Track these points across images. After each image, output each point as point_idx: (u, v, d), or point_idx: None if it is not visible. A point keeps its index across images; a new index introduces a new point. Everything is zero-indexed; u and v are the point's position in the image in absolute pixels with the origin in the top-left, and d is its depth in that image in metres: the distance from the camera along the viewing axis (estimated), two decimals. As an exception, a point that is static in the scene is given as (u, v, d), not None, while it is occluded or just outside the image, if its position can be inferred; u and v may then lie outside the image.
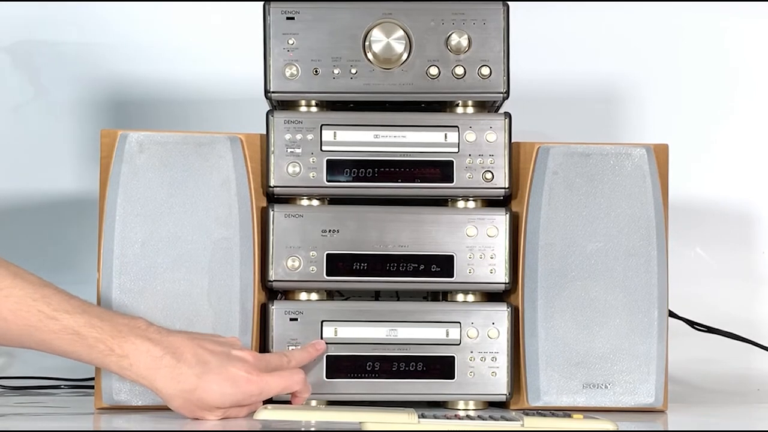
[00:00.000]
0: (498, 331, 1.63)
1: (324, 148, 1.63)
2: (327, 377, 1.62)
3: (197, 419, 1.47)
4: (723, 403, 1.86)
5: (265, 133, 1.64)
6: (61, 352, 1.48)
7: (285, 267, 1.62)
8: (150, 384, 1.47)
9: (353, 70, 1.64)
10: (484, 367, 1.63)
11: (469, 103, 1.66)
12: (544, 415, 1.46)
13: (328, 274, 1.63)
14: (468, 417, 1.45)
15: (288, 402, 1.59)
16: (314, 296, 1.65)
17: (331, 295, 1.67)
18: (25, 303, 1.46)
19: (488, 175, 1.64)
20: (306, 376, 1.55)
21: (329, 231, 1.63)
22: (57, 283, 2.09)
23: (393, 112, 1.65)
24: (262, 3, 1.64)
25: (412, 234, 1.63)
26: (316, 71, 1.64)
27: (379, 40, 1.63)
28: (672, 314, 1.73)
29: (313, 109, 1.66)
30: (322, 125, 1.64)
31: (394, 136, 1.64)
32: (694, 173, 2.14)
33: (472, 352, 1.63)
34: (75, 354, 1.47)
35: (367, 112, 1.65)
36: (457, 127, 1.64)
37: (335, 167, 1.63)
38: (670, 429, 1.58)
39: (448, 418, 1.42)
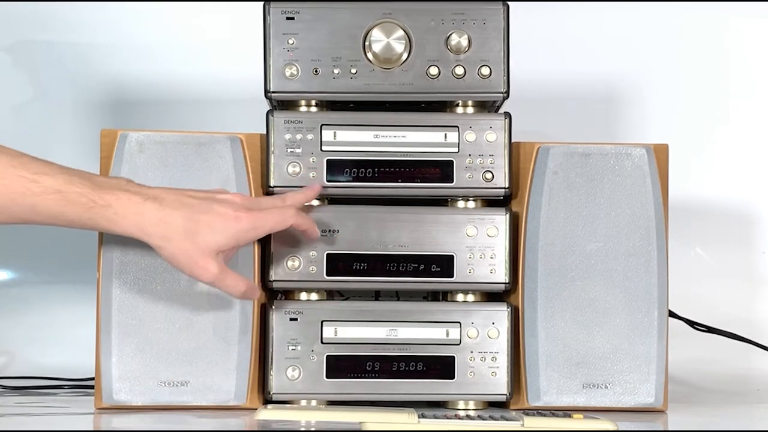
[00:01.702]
0: (498, 331, 1.63)
1: (324, 148, 1.63)
2: (327, 377, 1.62)
3: (199, 277, 1.46)
4: (723, 403, 1.87)
5: (265, 133, 1.64)
6: (48, 218, 1.46)
7: (285, 267, 1.62)
8: (140, 230, 1.45)
9: (353, 70, 1.64)
10: (484, 367, 1.63)
11: (469, 103, 1.66)
12: (544, 415, 1.46)
13: (328, 274, 1.63)
14: (468, 417, 1.45)
15: (288, 402, 1.60)
16: (314, 296, 1.65)
17: (331, 295, 1.67)
18: (5, 171, 1.44)
19: (488, 175, 1.64)
20: (303, 212, 1.54)
21: (329, 231, 1.63)
22: (58, 284, 2.10)
23: (393, 112, 1.65)
24: (262, 3, 1.64)
25: (412, 234, 1.63)
26: (316, 71, 1.64)
27: (379, 40, 1.63)
28: (672, 314, 1.73)
29: (313, 109, 1.66)
30: (322, 125, 1.64)
31: (394, 136, 1.64)
32: (694, 173, 2.14)
33: (472, 352, 1.63)
34: (61, 216, 1.45)
35: (367, 112, 1.65)
36: (457, 127, 1.64)
37: (335, 167, 1.63)
38: (670, 429, 1.58)
39: (448, 418, 1.42)
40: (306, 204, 1.64)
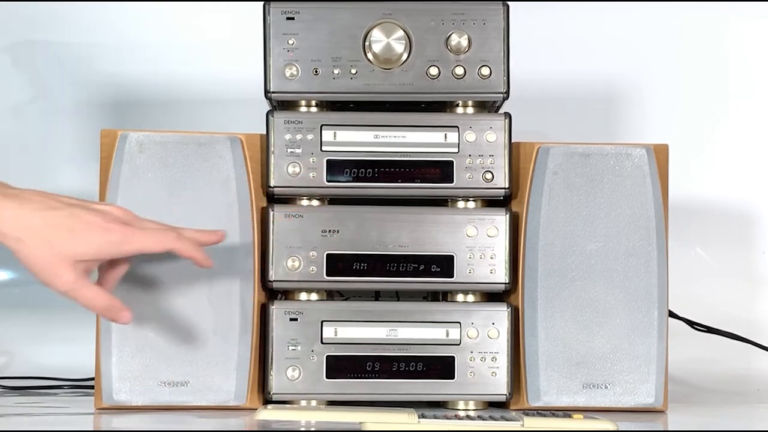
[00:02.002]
0: (498, 331, 1.63)
1: (324, 148, 1.63)
2: (327, 377, 1.62)
3: (52, 285, 1.36)
4: (723, 403, 1.87)
5: (265, 133, 1.64)
6: None
7: (285, 267, 1.62)
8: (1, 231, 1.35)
9: (353, 70, 1.64)
10: (484, 367, 1.63)
11: (469, 103, 1.66)
12: (544, 415, 1.46)
13: (328, 274, 1.63)
14: (468, 417, 1.45)
15: (288, 402, 1.60)
16: (314, 296, 1.65)
17: (331, 295, 1.67)
18: None
19: (488, 175, 1.64)
20: (187, 237, 1.43)
21: (329, 231, 1.63)
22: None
23: (393, 112, 1.65)
24: (262, 3, 1.64)
25: (412, 234, 1.63)
26: (316, 71, 1.64)
27: (379, 40, 1.63)
28: (672, 314, 1.73)
29: (313, 109, 1.66)
30: (322, 125, 1.64)
31: (394, 136, 1.64)
32: (694, 173, 2.14)
33: (472, 352, 1.63)
34: None
35: (367, 112, 1.65)
36: (457, 127, 1.64)
37: (335, 167, 1.63)
38: (670, 429, 1.58)
39: (448, 418, 1.42)
40: (306, 204, 1.64)
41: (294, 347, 1.62)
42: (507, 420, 1.43)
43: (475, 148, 1.64)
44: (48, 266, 1.37)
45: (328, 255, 1.62)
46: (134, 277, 1.61)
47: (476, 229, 1.63)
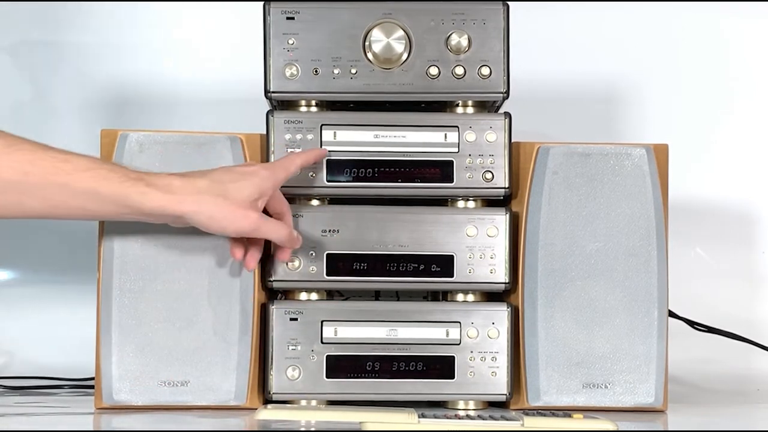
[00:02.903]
0: (498, 331, 1.63)
1: (324, 147, 1.63)
2: (327, 377, 1.62)
3: (240, 227, 1.49)
4: (723, 403, 1.86)
5: (265, 133, 1.64)
6: (81, 198, 1.46)
7: (285, 267, 1.62)
8: (173, 200, 1.47)
9: (353, 70, 1.64)
10: (484, 367, 1.63)
11: (469, 103, 1.66)
12: (544, 415, 1.46)
13: (328, 274, 1.63)
14: (468, 417, 1.45)
15: (288, 402, 1.60)
16: (314, 296, 1.65)
17: (331, 295, 1.68)
18: (38, 152, 1.46)
19: (488, 175, 1.64)
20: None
21: (329, 231, 1.63)
22: (58, 284, 2.10)
23: (393, 112, 1.65)
24: (262, 3, 1.64)
25: (412, 234, 1.63)
26: (316, 71, 1.64)
27: (379, 40, 1.63)
28: (672, 314, 1.73)
29: (313, 109, 1.66)
30: (322, 125, 1.64)
31: (394, 136, 1.64)
32: (694, 173, 2.14)
33: (472, 352, 1.63)
34: (94, 194, 1.46)
35: (367, 112, 1.65)
36: (457, 127, 1.64)
37: (335, 167, 1.63)
38: (670, 429, 1.58)
39: (448, 418, 1.42)
40: (306, 204, 1.64)
41: (294, 347, 1.62)
42: (507, 420, 1.43)
43: (475, 147, 1.64)
44: (232, 214, 1.49)
45: (328, 255, 1.62)
46: (134, 277, 1.61)
47: (476, 229, 1.63)
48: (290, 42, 1.63)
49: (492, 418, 1.44)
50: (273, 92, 1.64)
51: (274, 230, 1.54)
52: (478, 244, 1.63)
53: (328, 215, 1.63)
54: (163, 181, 1.48)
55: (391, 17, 1.64)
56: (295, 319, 1.62)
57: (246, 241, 1.57)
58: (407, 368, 1.62)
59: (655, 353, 1.64)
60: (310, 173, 1.63)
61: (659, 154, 1.66)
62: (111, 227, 1.61)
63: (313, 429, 1.42)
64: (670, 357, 1.66)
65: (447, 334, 1.63)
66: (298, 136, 1.63)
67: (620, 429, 1.43)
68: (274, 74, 1.64)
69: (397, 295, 1.72)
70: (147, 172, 1.51)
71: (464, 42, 1.64)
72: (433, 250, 1.63)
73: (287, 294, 1.65)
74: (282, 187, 1.61)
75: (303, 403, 1.62)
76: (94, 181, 1.46)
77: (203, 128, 1.69)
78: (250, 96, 1.78)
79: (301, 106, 1.66)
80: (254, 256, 1.57)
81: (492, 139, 1.64)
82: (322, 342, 1.62)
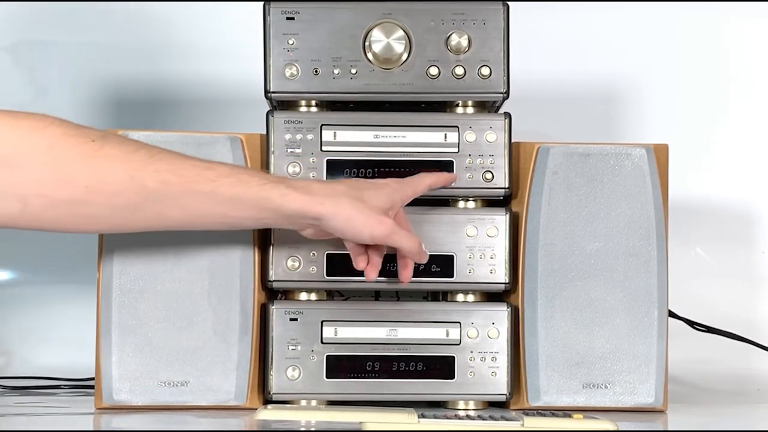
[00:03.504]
0: (498, 331, 1.63)
1: (324, 148, 1.63)
2: (327, 377, 1.62)
3: (375, 232, 1.50)
4: (723, 403, 1.86)
5: (265, 133, 1.64)
6: (224, 205, 1.46)
7: (285, 267, 1.62)
8: (313, 201, 1.48)
9: (353, 70, 1.64)
10: (484, 367, 1.63)
11: (469, 103, 1.66)
12: (544, 415, 1.46)
13: (328, 274, 1.63)
14: (468, 417, 1.45)
15: (288, 402, 1.60)
16: (314, 296, 1.65)
17: (331, 295, 1.67)
18: (179, 161, 1.46)
19: (488, 175, 1.64)
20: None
21: (329, 231, 1.63)
22: (58, 284, 2.10)
23: (393, 112, 1.65)
24: (262, 3, 1.64)
25: (412, 234, 1.63)
26: (316, 71, 1.64)
27: (379, 40, 1.63)
28: (672, 314, 1.73)
29: (313, 109, 1.66)
30: (322, 125, 1.64)
31: (394, 136, 1.64)
32: (694, 173, 2.14)
33: (472, 352, 1.63)
34: (236, 199, 1.46)
35: (367, 112, 1.65)
36: (457, 127, 1.64)
37: (335, 167, 1.63)
38: (670, 429, 1.58)
39: (448, 418, 1.42)
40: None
41: (294, 347, 1.62)
42: (507, 420, 1.43)
43: (475, 148, 1.64)
44: (369, 218, 1.50)
45: (328, 255, 1.62)
46: (134, 277, 1.61)
47: (476, 229, 1.63)
48: (290, 42, 1.63)
49: (492, 418, 1.44)
50: (273, 92, 1.64)
51: (406, 239, 1.53)
52: (478, 244, 1.63)
53: (328, 215, 1.63)
54: (303, 184, 1.50)
55: (391, 17, 1.64)
56: (295, 319, 1.62)
57: (367, 251, 1.57)
58: (407, 368, 1.62)
59: (655, 353, 1.64)
60: (311, 174, 1.63)
61: (659, 154, 1.66)
62: (111, 227, 1.61)
63: (313, 429, 1.42)
64: (670, 357, 1.66)
65: (447, 334, 1.63)
66: (298, 136, 1.63)
67: (620, 429, 1.43)
68: (274, 74, 1.64)
69: (397, 295, 1.71)
70: (285, 177, 1.53)
71: (464, 42, 1.64)
72: (433, 250, 1.63)
73: (287, 294, 1.65)
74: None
75: (303, 403, 1.62)
76: (237, 187, 1.46)
77: (203, 128, 1.69)
78: (250, 96, 1.78)
79: (301, 106, 1.66)
80: (375, 266, 1.56)
81: (492, 139, 1.64)
82: (322, 342, 1.62)
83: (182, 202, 1.46)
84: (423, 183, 1.59)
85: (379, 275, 1.62)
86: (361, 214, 1.49)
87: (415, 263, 1.60)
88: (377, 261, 1.57)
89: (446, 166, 1.64)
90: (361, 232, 1.50)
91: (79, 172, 1.43)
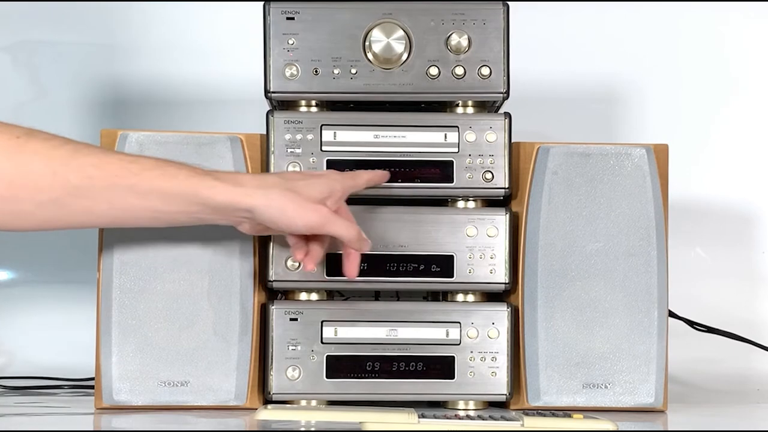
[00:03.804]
0: (498, 331, 1.63)
1: (324, 148, 1.63)
2: (327, 377, 1.62)
3: (308, 221, 1.48)
4: (723, 403, 1.87)
5: (265, 133, 1.64)
6: (148, 197, 1.45)
7: (285, 267, 1.62)
8: (242, 193, 1.46)
9: (353, 70, 1.64)
10: (484, 367, 1.63)
11: (469, 103, 1.66)
12: (544, 415, 1.46)
13: (328, 274, 1.63)
14: (468, 417, 1.45)
15: (288, 402, 1.60)
16: (314, 296, 1.65)
17: (331, 295, 1.67)
18: (104, 156, 1.46)
19: (488, 175, 1.64)
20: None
21: (329, 231, 1.62)
22: (58, 284, 2.10)
23: (393, 112, 1.65)
24: (262, 3, 1.64)
25: (412, 234, 1.63)
26: (316, 71, 1.64)
27: (379, 40, 1.63)
28: (672, 314, 1.73)
29: (313, 109, 1.66)
30: (322, 125, 1.64)
31: (394, 136, 1.64)
32: (694, 173, 2.14)
33: (472, 352, 1.63)
34: (161, 193, 1.45)
35: (367, 112, 1.65)
36: (457, 127, 1.64)
37: (335, 167, 1.63)
38: (670, 429, 1.58)
39: (448, 418, 1.42)
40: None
41: (294, 347, 1.62)
42: (507, 420, 1.43)
43: (475, 148, 1.64)
44: (301, 207, 1.48)
45: (328, 255, 1.62)
46: (134, 277, 1.61)
47: (476, 229, 1.63)
48: (290, 42, 1.63)
49: (492, 418, 1.44)
50: (273, 92, 1.64)
51: (343, 227, 1.51)
52: (478, 244, 1.63)
53: (328, 215, 1.63)
54: (231, 176, 1.49)
55: (391, 17, 1.64)
56: (295, 320, 1.62)
57: (308, 243, 1.56)
58: (407, 368, 1.62)
59: (655, 353, 1.64)
60: (310, 173, 1.63)
61: (659, 154, 1.66)
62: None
63: (313, 429, 1.42)
64: (670, 357, 1.66)
65: (447, 335, 1.63)
66: (298, 136, 1.63)
67: (620, 429, 1.43)
68: (274, 74, 1.64)
69: (397, 295, 1.71)
70: (217, 170, 1.51)
71: (464, 42, 1.64)
72: (433, 250, 1.63)
73: (287, 294, 1.65)
74: (282, 187, 1.61)
75: (303, 403, 1.62)
76: (162, 180, 1.45)
77: (203, 128, 1.69)
78: (250, 96, 1.78)
79: (301, 106, 1.66)
80: (314, 257, 1.55)
81: (492, 139, 1.64)
82: (322, 342, 1.62)
83: (107, 197, 1.45)
84: (362, 177, 1.58)
85: (379, 275, 1.62)
86: (293, 203, 1.47)
87: (414, 263, 1.60)
88: (317, 252, 1.55)
89: (446, 166, 1.64)
90: (295, 222, 1.49)
91: (3, 168, 1.42)
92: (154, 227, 1.54)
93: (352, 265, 1.55)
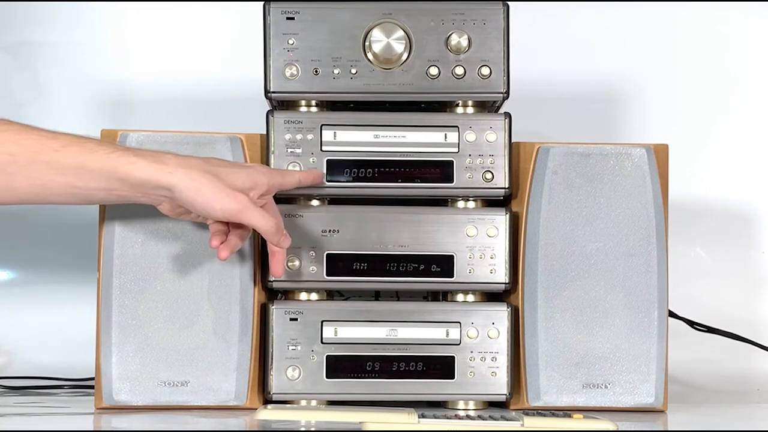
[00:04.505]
0: (498, 331, 1.63)
1: (324, 148, 1.63)
2: (327, 377, 1.62)
3: (226, 207, 1.46)
4: (723, 403, 1.87)
5: (265, 133, 1.64)
6: (68, 174, 1.44)
7: (285, 267, 1.62)
8: (162, 171, 1.45)
9: (353, 70, 1.64)
10: (484, 367, 1.63)
11: (469, 103, 1.66)
12: (544, 415, 1.46)
13: (328, 274, 1.63)
14: (468, 417, 1.45)
15: (288, 402, 1.60)
16: (314, 296, 1.65)
17: (331, 295, 1.67)
18: (24, 132, 1.44)
19: (488, 175, 1.64)
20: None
21: (329, 231, 1.63)
22: (58, 283, 2.10)
23: (393, 112, 1.65)
24: (262, 3, 1.64)
25: (412, 234, 1.63)
26: (316, 71, 1.64)
27: (379, 40, 1.63)
28: (672, 314, 1.73)
29: (313, 109, 1.66)
30: (322, 125, 1.64)
31: (394, 136, 1.64)
32: (694, 173, 2.14)
33: (472, 352, 1.63)
34: (82, 168, 1.44)
35: (367, 112, 1.65)
36: (457, 127, 1.64)
37: (335, 167, 1.63)
38: (670, 429, 1.58)
39: (448, 418, 1.42)
40: (306, 204, 1.64)
41: (294, 347, 1.62)
42: (507, 420, 1.43)
43: (475, 148, 1.64)
44: (221, 192, 1.46)
45: (328, 255, 1.62)
46: (134, 277, 1.61)
47: (476, 229, 1.63)
48: (290, 42, 1.63)
49: (492, 418, 1.44)
50: (273, 92, 1.64)
51: (261, 217, 1.49)
52: (478, 244, 1.63)
53: (328, 215, 1.63)
54: (154, 153, 1.47)
55: (391, 17, 1.64)
56: (295, 319, 1.62)
57: (228, 231, 1.55)
58: (407, 368, 1.62)
59: (655, 353, 1.64)
60: (310, 173, 1.63)
61: (659, 154, 1.66)
62: (111, 226, 1.61)
63: (313, 429, 1.42)
64: (670, 357, 1.66)
65: (447, 334, 1.63)
66: (298, 136, 1.63)
67: (620, 429, 1.43)
68: (274, 74, 1.64)
69: (397, 295, 1.72)
70: (139, 148, 1.49)
71: (464, 42, 1.64)
72: (433, 250, 1.63)
73: (287, 294, 1.65)
74: (282, 187, 1.61)
75: (303, 403, 1.62)
76: (82, 155, 1.44)
77: (203, 128, 1.69)
78: (250, 96, 1.78)
79: (301, 106, 1.66)
80: (229, 246, 1.53)
81: (492, 139, 1.64)
82: (322, 342, 1.62)
83: (27, 173, 1.44)
84: (293, 176, 1.58)
85: (379, 275, 1.63)
86: (213, 186, 1.46)
87: (414, 263, 1.60)
88: (234, 243, 1.54)
89: (446, 166, 1.64)
90: (212, 206, 1.47)
91: None
92: (73, 204, 1.51)
93: (275, 264, 1.56)
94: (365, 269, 1.62)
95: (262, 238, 1.62)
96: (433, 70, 1.64)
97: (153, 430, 1.47)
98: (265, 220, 1.50)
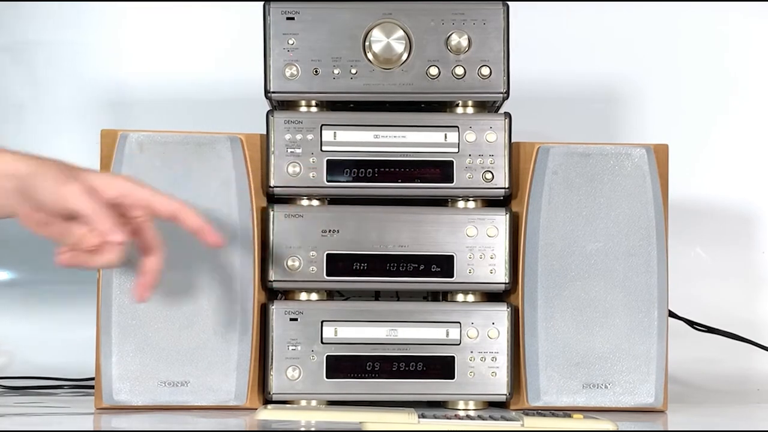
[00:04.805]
0: (498, 331, 1.63)
1: (324, 148, 1.63)
2: (327, 377, 1.62)
3: (71, 187, 1.38)
4: (723, 403, 1.87)
5: (265, 133, 1.64)
6: None
7: (285, 267, 1.62)
8: (8, 152, 1.39)
9: (353, 70, 1.64)
10: (484, 367, 1.63)
11: (469, 103, 1.66)
12: (544, 415, 1.46)
13: (328, 274, 1.63)
14: (468, 417, 1.45)
15: (288, 402, 1.60)
16: (314, 296, 1.65)
17: (331, 295, 1.67)
18: None
19: (488, 175, 1.64)
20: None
21: (329, 231, 1.63)
22: (57, 284, 2.10)
23: (393, 112, 1.65)
24: (262, 3, 1.64)
25: (412, 234, 1.63)
26: (316, 71, 1.64)
27: (379, 40, 1.63)
28: (672, 314, 1.73)
29: (313, 109, 1.66)
30: (322, 125, 1.64)
31: (394, 136, 1.64)
32: (694, 173, 2.14)
33: (472, 352, 1.63)
34: None
35: (367, 112, 1.65)
36: (457, 127, 1.64)
37: (335, 167, 1.63)
38: (670, 429, 1.58)
39: (448, 418, 1.42)
40: (306, 204, 1.64)
41: (294, 347, 1.62)
42: (507, 420, 1.43)
43: (475, 148, 1.64)
44: (68, 178, 1.37)
45: (328, 255, 1.62)
46: (134, 277, 1.61)
47: (476, 229, 1.63)
48: (290, 42, 1.63)
49: (492, 418, 1.44)
50: (273, 92, 1.64)
51: (86, 201, 1.38)
52: (478, 244, 1.63)
53: (328, 215, 1.63)
54: (8, 149, 1.40)
55: (391, 17, 1.64)
56: (295, 320, 1.62)
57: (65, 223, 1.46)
58: (407, 368, 1.62)
59: (655, 353, 1.64)
60: (311, 173, 1.63)
61: (659, 154, 1.66)
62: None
63: (313, 429, 1.42)
64: (670, 357, 1.66)
65: (447, 335, 1.63)
66: (298, 136, 1.63)
67: (620, 429, 1.43)
68: (274, 74, 1.64)
69: (397, 296, 1.72)
70: None
71: (464, 42, 1.64)
72: (433, 250, 1.63)
73: (287, 294, 1.65)
74: (281, 187, 1.61)
75: (303, 403, 1.62)
76: None
77: (203, 128, 1.69)
78: (250, 96, 1.78)
79: (301, 106, 1.66)
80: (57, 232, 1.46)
81: (492, 139, 1.64)
82: (322, 342, 1.62)
83: None
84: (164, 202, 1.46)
85: (379, 275, 1.63)
86: (62, 174, 1.38)
87: (414, 263, 1.60)
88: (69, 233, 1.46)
89: (446, 166, 1.64)
90: (57, 190, 1.38)
91: None
92: None
93: (137, 284, 1.46)
94: (365, 269, 1.62)
95: (262, 239, 1.62)
96: (433, 70, 1.64)
97: (153, 430, 1.47)
98: (88, 204, 1.38)
